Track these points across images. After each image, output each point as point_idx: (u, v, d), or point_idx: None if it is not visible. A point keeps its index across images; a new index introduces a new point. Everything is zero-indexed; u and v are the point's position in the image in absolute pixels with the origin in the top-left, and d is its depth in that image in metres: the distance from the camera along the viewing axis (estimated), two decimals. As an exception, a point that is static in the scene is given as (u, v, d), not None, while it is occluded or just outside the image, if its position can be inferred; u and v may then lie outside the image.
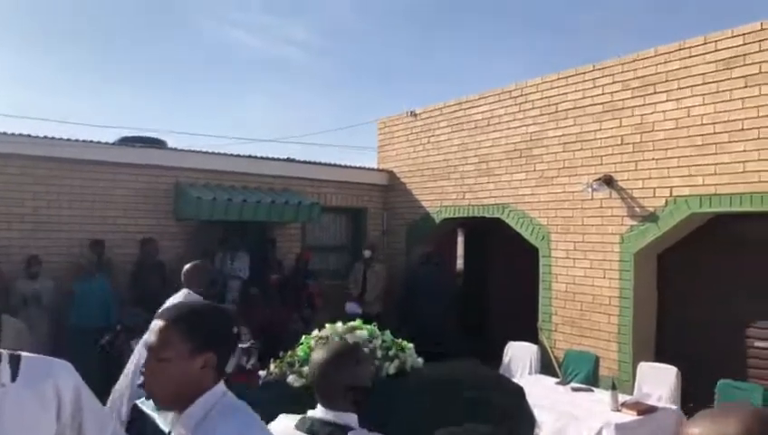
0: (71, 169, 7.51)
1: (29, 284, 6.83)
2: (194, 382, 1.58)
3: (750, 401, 4.75)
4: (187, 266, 5.07)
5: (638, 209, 6.52)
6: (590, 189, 6.78)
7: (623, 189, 6.65)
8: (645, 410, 4.57)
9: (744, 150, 5.61)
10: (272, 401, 3.18)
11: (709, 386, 5.07)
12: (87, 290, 6.94)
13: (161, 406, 1.64)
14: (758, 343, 6.07)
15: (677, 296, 6.61)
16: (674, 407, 4.90)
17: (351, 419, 1.99)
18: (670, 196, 6.21)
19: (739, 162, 5.65)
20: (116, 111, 28.15)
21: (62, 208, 7.46)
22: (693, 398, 5.16)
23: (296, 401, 3.18)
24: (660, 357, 6.23)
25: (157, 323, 1.61)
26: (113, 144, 8.10)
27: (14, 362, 1.90)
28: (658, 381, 5.34)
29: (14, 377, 1.86)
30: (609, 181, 6.72)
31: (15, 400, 1.83)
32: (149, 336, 1.61)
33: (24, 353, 1.96)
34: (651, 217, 6.38)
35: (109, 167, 7.74)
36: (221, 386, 1.63)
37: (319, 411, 2.02)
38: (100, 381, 2.12)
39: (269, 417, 2.52)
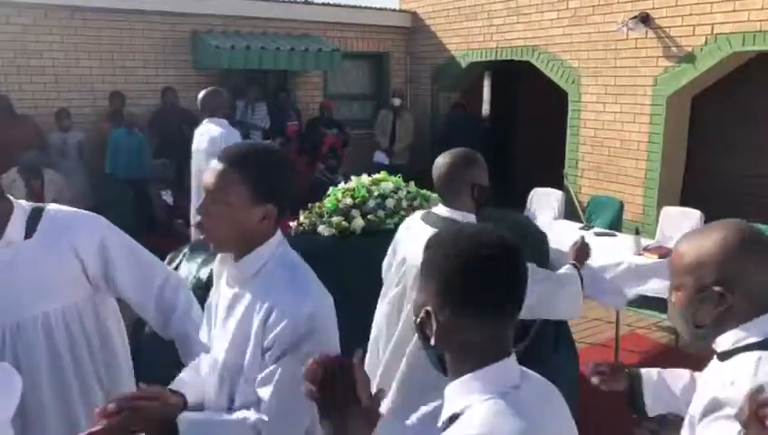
0: (83, 18, 7.29)
1: (62, 136, 6.94)
2: (252, 231, 1.52)
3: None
4: (202, 93, 4.82)
5: (674, 49, 6.19)
6: (625, 28, 6.42)
7: (660, 28, 6.28)
8: (666, 253, 4.65)
9: (798, -19, 5.18)
10: (303, 250, 3.31)
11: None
12: (122, 141, 7.01)
13: (218, 248, 1.58)
14: (787, 187, 6.03)
15: (709, 142, 6.48)
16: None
17: (471, 217, 2.18)
18: (711, 33, 5.86)
19: (791, -5, 5.25)
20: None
21: (81, 60, 7.35)
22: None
23: (327, 250, 3.30)
24: (686, 203, 6.24)
25: (217, 165, 1.51)
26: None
27: (35, 217, 1.84)
28: (682, 226, 5.37)
29: (29, 233, 1.81)
30: (645, 19, 6.33)
31: (29, 257, 1.78)
32: (208, 177, 1.51)
33: (49, 207, 1.90)
34: (688, 58, 6.07)
35: (123, 14, 7.49)
36: (278, 236, 1.58)
37: (443, 210, 2.22)
38: (136, 231, 2.08)
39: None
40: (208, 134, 4.77)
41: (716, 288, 1.30)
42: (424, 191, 3.70)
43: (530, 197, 6.63)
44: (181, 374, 1.73)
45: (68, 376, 1.86)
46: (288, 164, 1.59)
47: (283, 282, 1.50)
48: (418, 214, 2.33)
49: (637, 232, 4.84)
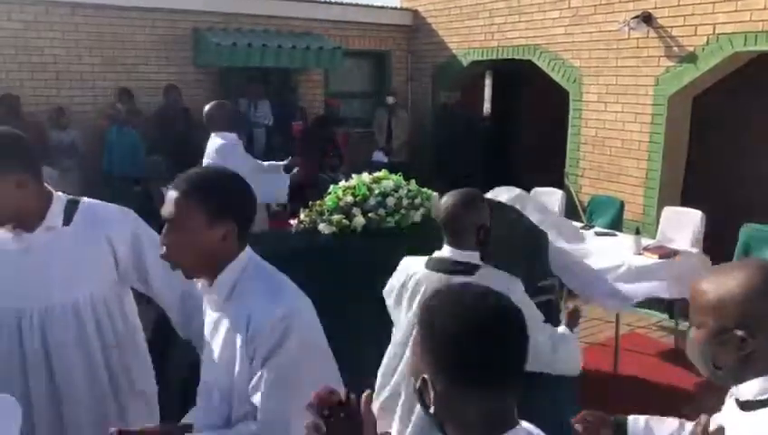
0: (84, 15, 7.29)
1: (60, 134, 6.93)
2: (217, 252, 1.54)
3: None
4: (207, 108, 4.76)
5: (676, 49, 6.18)
6: (626, 28, 6.41)
7: (662, 27, 6.27)
8: (666, 253, 4.65)
9: (801, -18, 5.17)
10: (304, 247, 3.32)
11: (734, 231, 5.11)
12: (118, 139, 7.01)
13: (188, 275, 1.60)
14: (788, 187, 6.02)
15: (710, 141, 6.47)
16: (695, 250, 4.95)
17: (476, 257, 2.22)
18: (713, 33, 5.85)
19: (793, -5, 5.24)
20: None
21: (83, 56, 7.35)
22: (718, 241, 5.20)
23: (328, 248, 3.31)
24: (687, 203, 6.23)
25: (171, 194, 1.54)
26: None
27: (71, 207, 1.93)
28: (682, 226, 5.37)
29: (67, 221, 1.90)
30: (647, 19, 6.32)
31: (67, 243, 1.87)
32: (165, 207, 1.55)
33: (85, 199, 1.99)
34: (690, 58, 6.06)
35: (124, 11, 7.48)
36: (248, 251, 1.60)
37: (447, 252, 2.23)
38: None
39: (303, 261, 2.62)
40: (212, 147, 4.80)
41: (738, 332, 1.23)
42: (424, 190, 3.71)
43: (531, 195, 6.62)
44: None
45: (96, 359, 1.94)
46: (242, 182, 1.60)
47: (256, 292, 1.54)
48: (421, 261, 2.29)
49: (637, 232, 4.83)
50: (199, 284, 1.65)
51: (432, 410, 1.07)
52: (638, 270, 4.35)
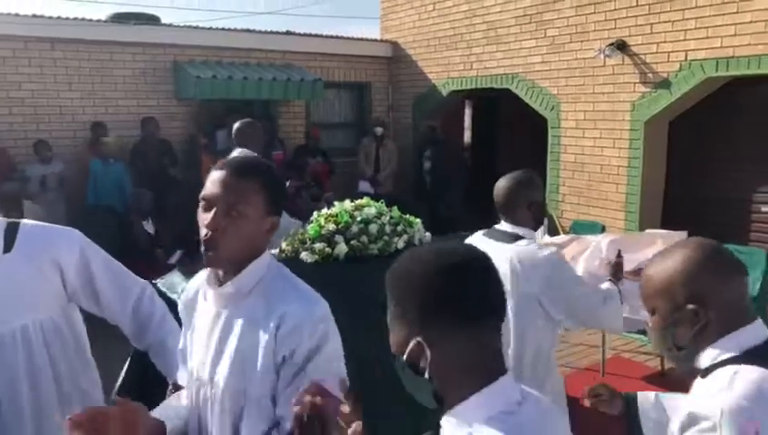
0: (64, 50, 7.28)
1: (42, 168, 6.85)
2: (258, 244, 1.50)
3: (751, 264, 4.84)
4: (238, 124, 4.72)
5: (650, 75, 6.32)
6: (602, 55, 6.55)
7: (636, 55, 6.41)
8: (649, 275, 4.68)
9: (768, 9, 5.32)
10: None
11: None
12: (102, 172, 6.97)
13: (221, 264, 1.47)
14: (764, 208, 6.11)
15: (687, 165, 6.57)
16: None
17: (530, 231, 2.50)
18: (685, 60, 5.99)
19: (761, 21, 5.38)
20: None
21: (61, 91, 7.32)
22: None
23: (310, 277, 3.27)
24: (666, 226, 6.29)
25: (228, 176, 1.44)
26: (106, 22, 7.79)
27: (11, 232, 1.85)
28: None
29: (8, 248, 1.82)
30: (621, 46, 6.46)
31: (9, 270, 1.80)
32: (217, 188, 1.43)
33: (24, 222, 1.91)
34: (664, 84, 6.19)
35: (104, 46, 7.49)
36: (268, 253, 1.57)
37: (506, 226, 2.53)
38: (119, 258, 2.12)
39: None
40: None
41: (690, 306, 1.31)
42: (407, 216, 3.70)
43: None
44: (164, 402, 1.69)
45: (47, 388, 1.87)
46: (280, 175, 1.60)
47: (286, 292, 1.48)
48: (479, 233, 2.64)
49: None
50: (201, 275, 1.61)
51: (428, 372, 1.06)
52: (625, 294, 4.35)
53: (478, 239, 2.59)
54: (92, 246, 1.99)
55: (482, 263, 1.11)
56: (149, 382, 2.40)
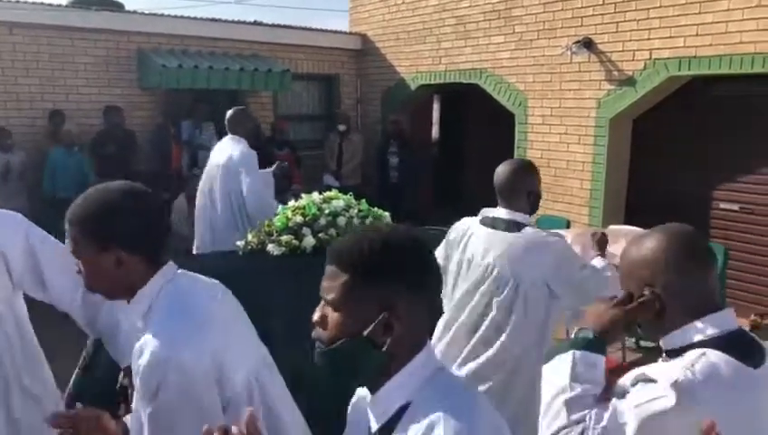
0: (22, 35, 7.04)
1: (3, 157, 6.61)
2: (120, 277, 1.49)
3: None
4: (230, 112, 4.91)
5: (616, 73, 6.41)
6: (569, 52, 6.62)
7: (602, 52, 6.50)
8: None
9: (729, 9, 5.44)
10: (253, 270, 3.23)
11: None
12: (64, 161, 6.75)
13: (105, 296, 1.60)
14: (723, 205, 6.27)
15: (650, 162, 6.69)
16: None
17: (527, 218, 2.56)
18: (649, 58, 6.09)
19: (722, 22, 5.50)
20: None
21: (19, 77, 7.08)
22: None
23: (277, 269, 3.23)
24: (629, 222, 6.40)
25: (66, 226, 1.53)
26: (67, 7, 7.57)
27: None
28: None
29: None
30: (588, 44, 6.54)
31: None
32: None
33: None
34: (629, 81, 6.29)
35: (64, 32, 7.27)
36: (159, 278, 1.51)
37: (500, 212, 2.57)
38: None
39: (252, 286, 2.55)
40: (227, 151, 4.75)
41: (647, 290, 1.39)
42: (375, 209, 3.68)
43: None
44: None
45: None
46: (128, 204, 1.49)
47: (155, 322, 1.46)
48: (475, 218, 2.66)
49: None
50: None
51: (387, 346, 1.11)
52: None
53: (475, 227, 2.64)
54: (38, 231, 1.93)
55: (425, 240, 1.19)
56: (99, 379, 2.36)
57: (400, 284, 1.11)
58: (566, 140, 6.98)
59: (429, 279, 1.16)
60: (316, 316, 1.16)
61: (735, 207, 6.16)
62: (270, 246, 3.30)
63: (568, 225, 6.38)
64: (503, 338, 2.50)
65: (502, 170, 2.60)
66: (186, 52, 8.05)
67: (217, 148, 4.97)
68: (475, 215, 5.92)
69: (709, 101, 6.25)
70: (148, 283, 1.50)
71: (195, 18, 8.43)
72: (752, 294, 6.06)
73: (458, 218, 2.82)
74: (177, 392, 1.36)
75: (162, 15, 8.22)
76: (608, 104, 6.50)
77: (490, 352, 2.51)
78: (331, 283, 1.13)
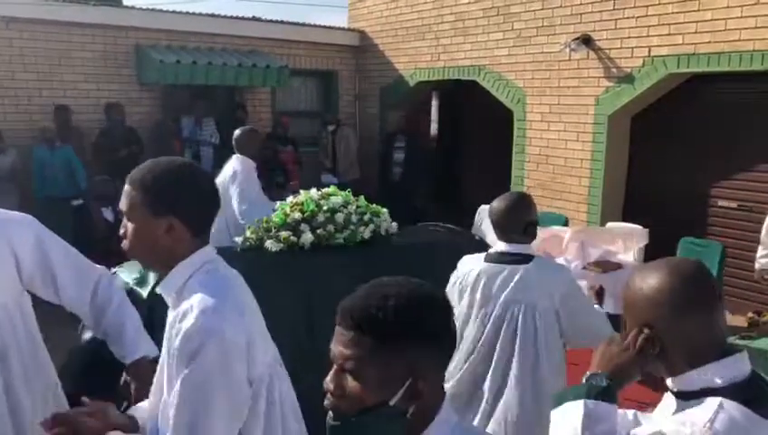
0: (20, 30, 7.02)
1: None
2: (162, 246, 1.51)
3: (708, 256, 4.97)
4: (238, 132, 4.94)
5: (614, 70, 6.41)
6: (567, 49, 6.61)
7: (601, 49, 6.49)
8: (611, 267, 4.77)
9: (728, 6, 5.43)
10: (250, 266, 3.22)
11: (674, 244, 5.27)
12: (49, 158, 6.67)
13: (141, 263, 1.65)
14: (721, 203, 6.26)
15: (648, 159, 6.69)
16: (637, 263, 5.09)
17: (528, 248, 2.56)
18: (648, 56, 6.09)
19: (721, 19, 5.50)
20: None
21: (17, 72, 7.06)
22: (659, 255, 5.35)
23: (275, 266, 3.23)
24: (627, 219, 6.41)
25: (125, 186, 1.57)
26: (65, 1, 7.54)
27: None
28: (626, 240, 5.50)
29: None
30: (587, 41, 6.54)
31: None
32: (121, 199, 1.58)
33: None
34: (627, 79, 6.29)
35: (62, 27, 7.25)
36: (203, 254, 1.55)
37: (501, 246, 2.58)
38: (75, 245, 2.09)
39: (248, 283, 2.54)
40: (228, 170, 4.82)
41: (646, 330, 1.33)
42: (373, 206, 3.68)
43: (477, 213, 6.69)
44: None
45: None
46: (190, 177, 1.55)
47: (194, 297, 1.47)
48: (479, 257, 2.62)
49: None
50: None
51: (411, 412, 1.03)
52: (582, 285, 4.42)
53: (477, 264, 2.60)
54: (48, 233, 1.97)
55: (444, 294, 1.19)
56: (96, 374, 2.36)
57: (426, 344, 1.04)
58: (564, 138, 6.98)
59: (451, 335, 1.10)
60: (331, 386, 1.05)
61: (733, 204, 6.16)
62: (268, 243, 3.29)
63: (566, 222, 6.39)
64: (516, 370, 2.51)
65: (497, 206, 2.58)
66: (184, 47, 8.04)
67: (225, 166, 4.99)
68: (473, 212, 5.95)
69: (708, 98, 6.24)
70: (191, 256, 1.52)
71: (193, 14, 8.41)
72: (749, 292, 6.06)
73: (455, 215, 2.82)
74: (213, 360, 1.39)
75: (160, 11, 8.21)
76: (606, 101, 6.50)
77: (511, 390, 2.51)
78: (350, 349, 1.02)
